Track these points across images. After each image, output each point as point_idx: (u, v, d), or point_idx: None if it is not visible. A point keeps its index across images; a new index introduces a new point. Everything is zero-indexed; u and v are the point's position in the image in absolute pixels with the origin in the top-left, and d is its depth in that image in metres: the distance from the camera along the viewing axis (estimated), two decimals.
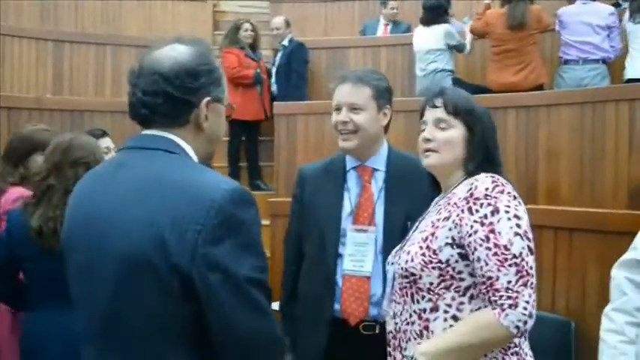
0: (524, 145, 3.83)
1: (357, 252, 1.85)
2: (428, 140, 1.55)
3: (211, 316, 1.12)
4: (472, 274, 1.43)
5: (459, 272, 1.43)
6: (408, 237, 1.59)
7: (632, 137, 3.40)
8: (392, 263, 1.57)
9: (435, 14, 5.07)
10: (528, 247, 1.39)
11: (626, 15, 4.48)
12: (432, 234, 1.47)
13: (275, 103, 5.14)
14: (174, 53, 1.22)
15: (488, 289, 1.37)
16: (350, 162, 1.95)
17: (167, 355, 1.15)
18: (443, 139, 1.54)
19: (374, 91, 1.88)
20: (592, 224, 2.85)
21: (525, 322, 1.35)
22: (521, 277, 1.35)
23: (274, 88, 5.64)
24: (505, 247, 1.37)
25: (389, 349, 1.55)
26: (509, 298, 1.35)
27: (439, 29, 5.05)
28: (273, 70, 5.67)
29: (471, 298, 1.43)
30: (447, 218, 1.46)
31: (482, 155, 1.53)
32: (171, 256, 1.10)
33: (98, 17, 6.77)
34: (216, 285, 1.10)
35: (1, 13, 6.00)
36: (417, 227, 1.58)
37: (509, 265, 1.36)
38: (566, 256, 2.89)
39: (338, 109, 1.90)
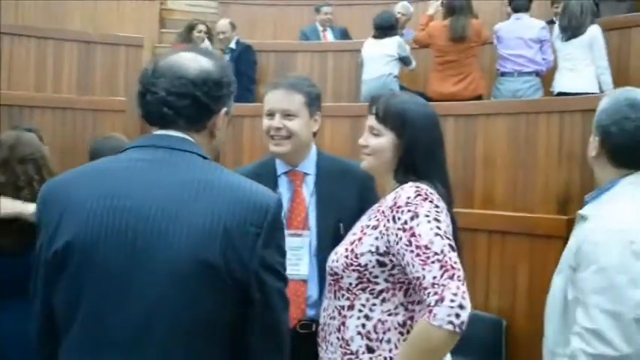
0: (463, 152, 4.00)
1: (293, 256, 1.85)
2: (363, 146, 1.64)
3: (263, 315, 1.20)
4: (387, 280, 1.50)
5: (375, 277, 1.50)
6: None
7: (561, 147, 3.60)
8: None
9: (387, 30, 5.29)
10: (449, 245, 1.40)
11: (556, 31, 4.73)
12: (359, 239, 1.54)
13: None
14: (200, 62, 1.27)
15: (420, 289, 1.38)
16: (280, 167, 1.97)
17: (206, 357, 1.18)
18: (373, 145, 1.62)
19: (306, 97, 1.91)
20: (523, 228, 3.02)
21: (457, 315, 1.30)
22: (445, 271, 1.35)
23: None
24: (426, 246, 1.39)
25: (318, 339, 1.64)
26: (435, 293, 1.32)
27: (392, 40, 5.26)
28: None
29: (383, 300, 1.50)
30: (375, 227, 1.53)
31: (409, 164, 1.57)
32: (234, 254, 1.15)
33: (40, 11, 6.58)
34: (271, 286, 1.20)
35: None
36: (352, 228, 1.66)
37: (432, 262, 1.37)
38: (499, 258, 3.05)
39: (270, 114, 1.91)
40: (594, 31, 4.44)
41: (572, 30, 4.49)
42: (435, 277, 1.35)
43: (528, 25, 4.88)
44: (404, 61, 5.34)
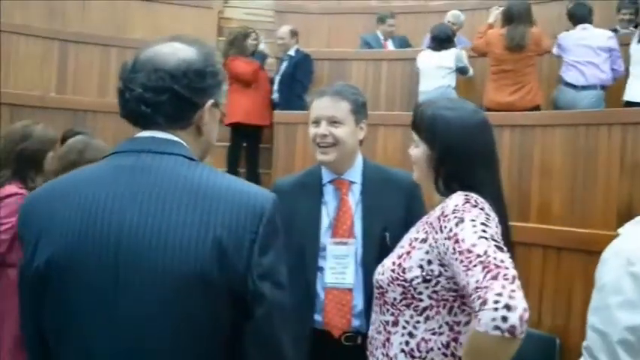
0: (518, 163, 3.91)
1: (338, 264, 1.86)
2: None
3: (262, 332, 1.09)
4: (430, 297, 1.43)
5: (420, 293, 1.44)
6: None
7: (623, 160, 3.47)
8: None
9: (444, 42, 5.28)
10: (496, 246, 1.27)
11: (635, 38, 4.57)
12: (408, 252, 1.48)
13: (275, 111, 5.22)
14: (179, 52, 1.15)
15: (468, 299, 1.26)
16: (326, 175, 1.96)
17: None
18: (412, 157, 1.58)
19: (352, 105, 1.91)
20: (580, 244, 2.92)
21: (505, 318, 1.13)
22: (488, 271, 1.21)
23: (275, 96, 5.71)
24: (468, 250, 1.28)
25: (367, 352, 1.60)
26: (479, 297, 1.18)
27: (450, 52, 5.26)
28: (277, 79, 5.74)
29: (427, 318, 1.44)
30: (424, 240, 1.46)
31: (448, 175, 1.50)
32: (228, 265, 1.05)
33: (105, 19, 6.85)
34: (268, 294, 1.08)
35: (5, 10, 6.07)
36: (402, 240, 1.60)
37: (474, 266, 1.24)
38: (554, 275, 2.96)
39: (316, 122, 1.91)
40: None
41: None
42: (477, 281, 1.21)
43: (595, 34, 4.78)
44: (461, 71, 5.31)
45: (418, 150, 1.56)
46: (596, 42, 4.71)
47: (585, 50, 4.71)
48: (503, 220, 1.47)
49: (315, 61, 5.89)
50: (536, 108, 4.75)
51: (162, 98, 1.12)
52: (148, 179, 1.09)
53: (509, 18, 4.84)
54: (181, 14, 7.25)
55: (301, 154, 4.59)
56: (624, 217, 3.35)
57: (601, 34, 4.77)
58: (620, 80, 4.72)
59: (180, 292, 1.04)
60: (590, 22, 4.86)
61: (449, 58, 5.25)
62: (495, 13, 5.20)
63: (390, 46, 6.52)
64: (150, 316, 1.04)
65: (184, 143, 1.16)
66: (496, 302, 1.15)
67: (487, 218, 1.37)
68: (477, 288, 1.20)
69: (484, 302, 1.16)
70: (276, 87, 5.73)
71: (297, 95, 5.45)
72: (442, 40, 5.30)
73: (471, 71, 5.35)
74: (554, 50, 4.91)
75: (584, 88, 4.68)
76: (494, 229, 1.36)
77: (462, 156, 1.49)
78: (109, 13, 6.86)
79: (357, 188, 1.95)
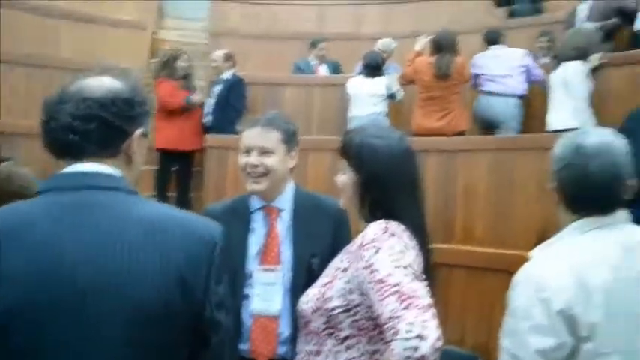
0: (444, 187, 4.06)
1: (265, 291, 1.86)
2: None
3: (215, 351, 1.15)
4: (351, 326, 1.45)
5: (341, 322, 1.46)
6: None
7: (540, 184, 3.65)
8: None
9: (375, 69, 5.46)
10: (411, 275, 1.30)
11: (553, 68, 4.79)
12: (331, 282, 1.51)
13: (207, 135, 5.20)
14: (107, 82, 1.17)
15: (382, 329, 1.25)
16: (256, 202, 1.98)
17: None
18: (339, 183, 1.61)
19: (283, 134, 1.93)
20: (502, 265, 3.04)
21: (416, 348, 1.15)
22: (402, 301, 1.22)
23: (207, 119, 5.66)
24: (383, 279, 1.30)
25: None
26: (392, 327, 1.20)
27: (382, 79, 5.44)
28: (210, 102, 5.71)
29: (348, 347, 1.46)
30: (345, 269, 1.48)
31: (373, 202, 1.52)
32: (189, 295, 1.09)
33: (35, 38, 6.63)
34: (223, 322, 1.15)
35: None
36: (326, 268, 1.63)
37: (389, 295, 1.25)
38: (477, 294, 3.07)
39: (247, 151, 1.93)
40: (575, 66, 4.52)
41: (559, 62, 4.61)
42: (391, 310, 1.22)
43: (510, 52, 5.19)
44: (391, 97, 5.47)
45: (345, 177, 1.58)
46: (511, 59, 5.08)
47: (500, 65, 5.07)
48: (424, 247, 1.50)
49: (249, 85, 5.92)
50: (461, 133, 4.96)
51: (91, 126, 1.12)
52: (99, 217, 1.09)
53: (438, 47, 5.07)
54: (114, 35, 7.12)
55: (233, 179, 4.58)
56: (541, 239, 3.52)
57: (515, 52, 5.16)
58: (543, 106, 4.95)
59: (146, 325, 1.06)
60: (502, 44, 5.27)
61: (381, 85, 5.41)
62: (423, 42, 5.41)
63: (324, 70, 6.64)
64: (116, 352, 1.05)
65: (120, 175, 1.16)
66: (408, 332, 1.17)
67: (404, 247, 1.40)
68: (391, 317, 1.21)
69: (396, 332, 1.18)
70: (207, 110, 5.69)
71: (229, 119, 5.45)
72: (373, 68, 5.46)
73: (399, 96, 5.50)
74: (471, 70, 5.18)
75: (499, 95, 5.02)
76: (412, 257, 1.39)
77: (388, 183, 1.52)
78: (39, 33, 6.66)
79: (286, 215, 1.96)
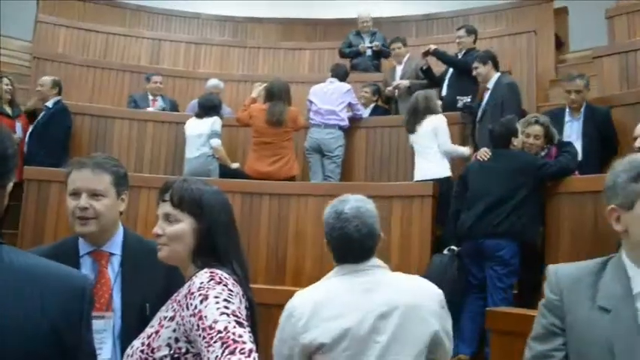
0: (276, 229, 4.22)
1: (96, 339, 1.75)
2: (158, 235, 1.60)
3: None
4: None
5: None
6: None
7: None
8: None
9: (208, 110, 5.50)
10: (236, 321, 1.37)
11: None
12: (157, 332, 1.51)
13: (26, 167, 4.79)
14: None
15: None
16: (84, 247, 1.91)
17: None
18: (170, 233, 1.59)
19: (114, 177, 1.91)
20: None
21: None
22: (227, 347, 1.29)
23: (26, 149, 5.27)
24: (210, 327, 1.35)
25: None
26: None
27: (210, 119, 5.44)
28: (30, 130, 5.32)
29: None
30: (172, 318, 1.49)
31: (209, 248, 1.57)
32: (63, 344, 1.14)
33: None
34: None
35: None
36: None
37: (215, 342, 1.32)
38: None
39: (76, 194, 1.88)
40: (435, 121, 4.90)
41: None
42: (217, 357, 1.28)
43: (338, 86, 5.76)
44: (209, 137, 5.41)
45: (181, 225, 1.58)
46: (337, 94, 5.70)
47: (328, 99, 5.66)
48: (246, 293, 1.57)
49: (75, 115, 5.63)
50: (292, 178, 5.20)
51: None
52: None
53: (271, 95, 5.30)
54: None
55: (54, 214, 4.28)
56: None
57: (341, 86, 5.75)
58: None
59: None
60: (337, 78, 5.82)
61: (207, 125, 5.43)
62: (259, 89, 5.61)
63: (159, 104, 6.47)
64: None
65: None
66: None
67: (230, 294, 1.46)
68: None
69: None
70: (27, 139, 5.31)
71: (50, 152, 5.12)
72: (207, 108, 5.51)
73: (214, 142, 5.40)
74: (307, 101, 5.66)
75: (326, 126, 5.58)
76: (237, 304, 1.45)
77: (225, 228, 1.61)
78: None
79: (116, 260, 1.92)
